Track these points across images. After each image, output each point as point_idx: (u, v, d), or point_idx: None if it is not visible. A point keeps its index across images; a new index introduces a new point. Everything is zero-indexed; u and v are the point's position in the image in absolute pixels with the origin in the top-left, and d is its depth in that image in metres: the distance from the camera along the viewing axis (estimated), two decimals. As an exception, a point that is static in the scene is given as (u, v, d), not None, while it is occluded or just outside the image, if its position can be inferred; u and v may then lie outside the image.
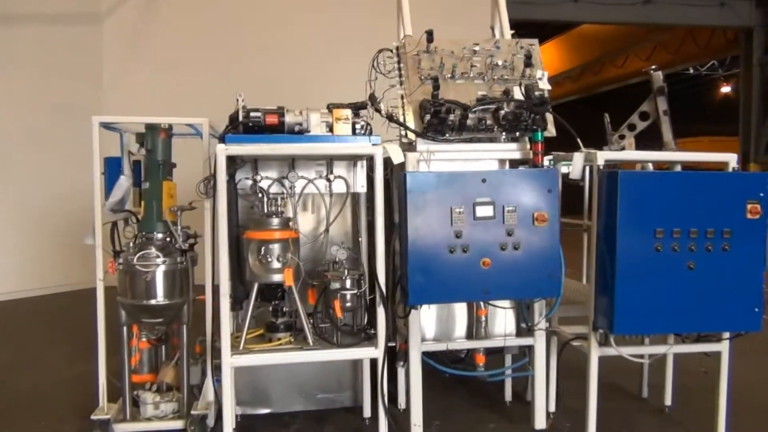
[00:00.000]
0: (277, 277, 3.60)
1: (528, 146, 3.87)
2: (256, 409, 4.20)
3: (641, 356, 4.19)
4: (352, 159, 3.94)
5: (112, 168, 4.54)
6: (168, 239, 4.05)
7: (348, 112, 3.60)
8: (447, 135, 3.78)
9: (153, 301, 3.90)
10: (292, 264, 3.61)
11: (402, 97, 3.91)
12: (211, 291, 4.02)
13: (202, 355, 4.16)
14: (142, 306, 3.92)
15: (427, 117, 3.72)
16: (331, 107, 3.64)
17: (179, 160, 4.19)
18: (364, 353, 3.61)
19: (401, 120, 3.82)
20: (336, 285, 3.62)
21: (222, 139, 3.52)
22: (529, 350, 4.00)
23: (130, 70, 9.59)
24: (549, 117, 3.87)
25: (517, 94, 3.89)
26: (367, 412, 4.18)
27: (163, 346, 4.33)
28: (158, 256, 3.88)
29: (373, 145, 3.55)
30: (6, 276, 8.76)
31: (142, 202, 4.11)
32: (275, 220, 3.65)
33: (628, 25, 13.34)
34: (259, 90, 9.25)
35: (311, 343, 3.58)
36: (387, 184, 3.78)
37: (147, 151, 4.11)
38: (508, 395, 4.49)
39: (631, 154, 3.80)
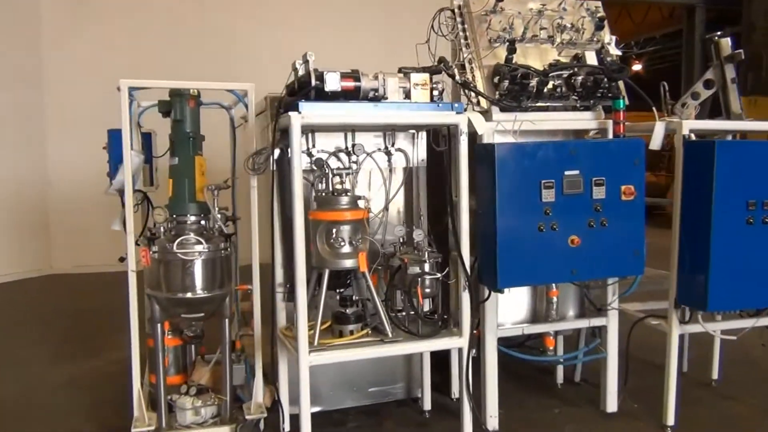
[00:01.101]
0: (349, 262, 3.19)
1: (602, 115, 3.63)
2: (304, 407, 3.78)
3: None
4: (423, 128, 3.56)
5: (116, 142, 3.97)
6: (202, 222, 3.55)
7: (426, 77, 3.22)
8: (522, 103, 3.47)
9: (191, 294, 3.41)
10: (365, 247, 3.22)
11: (470, 62, 3.57)
12: (260, 280, 3.59)
13: (243, 352, 3.71)
14: (179, 300, 3.42)
15: (505, 83, 3.40)
16: (404, 71, 3.25)
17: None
18: (448, 343, 3.28)
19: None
20: (415, 269, 3.26)
21: (286, 107, 3.07)
22: (599, 331, 3.81)
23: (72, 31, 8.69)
24: (620, 85, 3.64)
25: (590, 59, 3.64)
26: (426, 405, 3.87)
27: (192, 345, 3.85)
28: (199, 243, 3.38)
29: (457, 113, 3.20)
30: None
31: (171, 181, 3.58)
32: (344, 199, 3.23)
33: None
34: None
35: (390, 335, 3.21)
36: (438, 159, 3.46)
37: (174, 121, 3.57)
38: (560, 378, 4.30)
39: (722, 124, 3.64)
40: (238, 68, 8.52)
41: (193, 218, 3.52)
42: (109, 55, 8.55)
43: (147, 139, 4.10)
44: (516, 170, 3.23)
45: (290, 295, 3.43)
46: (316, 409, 3.84)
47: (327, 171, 3.29)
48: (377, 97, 3.14)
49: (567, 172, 3.30)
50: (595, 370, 4.26)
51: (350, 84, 3.08)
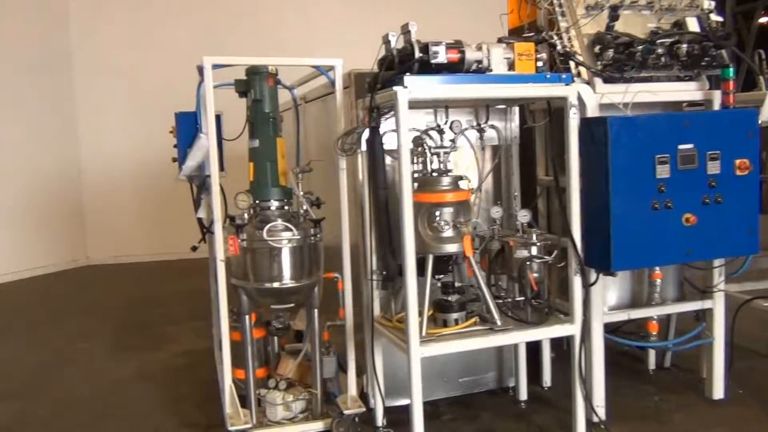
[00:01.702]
0: (453, 247, 3.00)
1: (706, 85, 3.42)
2: (394, 399, 3.61)
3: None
4: (530, 102, 3.36)
5: (185, 125, 3.79)
6: (286, 208, 3.37)
7: (531, 47, 3.01)
8: (626, 74, 3.25)
9: (280, 284, 3.24)
10: (469, 230, 3.02)
11: (566, 31, 3.35)
12: (350, 267, 3.41)
13: (331, 344, 3.53)
14: (269, 290, 3.25)
15: (609, 53, 3.19)
16: (506, 41, 3.03)
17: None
18: (560, 331, 3.09)
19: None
20: (524, 252, 3.07)
21: (384, 83, 2.87)
22: (704, 314, 3.61)
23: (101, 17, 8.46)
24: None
25: (691, 25, 3.42)
26: (522, 395, 3.70)
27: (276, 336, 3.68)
28: (288, 230, 3.20)
29: (566, 85, 2.99)
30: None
31: (251, 165, 3.39)
32: (446, 179, 3.04)
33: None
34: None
35: (498, 323, 3.03)
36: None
37: (254, 101, 3.38)
38: (652, 364, 4.11)
39: None
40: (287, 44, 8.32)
41: (276, 203, 3.35)
42: (138, 41, 8.35)
43: (217, 122, 3.90)
44: (629, 145, 3.02)
45: (385, 283, 3.25)
46: (406, 401, 3.67)
47: (426, 150, 3.10)
48: (481, 69, 2.93)
49: (681, 146, 3.09)
50: (684, 355, 4.09)
51: (455, 56, 2.87)
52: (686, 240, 3.14)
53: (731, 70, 3.29)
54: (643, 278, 3.56)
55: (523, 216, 3.16)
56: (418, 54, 2.81)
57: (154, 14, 8.48)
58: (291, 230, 3.20)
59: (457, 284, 3.17)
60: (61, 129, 8.42)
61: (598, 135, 3.03)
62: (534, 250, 3.08)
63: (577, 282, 3.08)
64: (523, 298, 3.14)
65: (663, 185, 3.07)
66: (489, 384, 3.83)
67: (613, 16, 3.23)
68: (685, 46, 3.27)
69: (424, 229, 3.02)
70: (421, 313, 2.93)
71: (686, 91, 3.39)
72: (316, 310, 3.38)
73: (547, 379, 3.88)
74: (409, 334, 2.82)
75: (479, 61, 2.92)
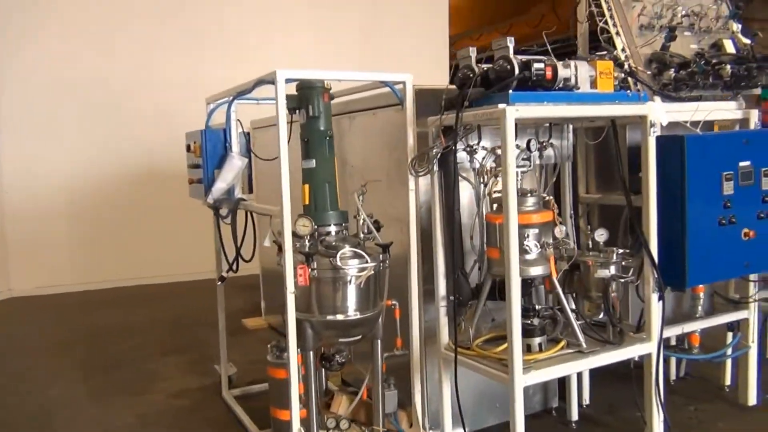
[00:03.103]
0: (539, 269, 2.91)
1: (743, 105, 3.56)
2: (453, 429, 3.44)
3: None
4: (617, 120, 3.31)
5: (213, 144, 3.48)
6: (345, 232, 3.14)
7: (611, 65, 2.99)
8: (683, 93, 3.33)
9: (344, 316, 3.01)
10: (552, 252, 2.94)
11: (623, 49, 3.38)
12: (417, 293, 3.22)
13: (390, 376, 3.31)
14: (336, 322, 3.01)
15: (670, 72, 3.24)
16: (588, 58, 3.00)
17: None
18: (640, 350, 3.07)
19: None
20: (605, 272, 3.03)
21: (472, 101, 2.75)
22: (738, 325, 3.74)
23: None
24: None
25: (729, 47, 3.57)
26: (574, 415, 3.65)
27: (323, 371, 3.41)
28: (361, 256, 2.97)
29: (644, 103, 2.99)
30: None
31: (306, 187, 3.12)
32: (531, 199, 2.95)
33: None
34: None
35: (584, 345, 2.96)
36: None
37: (308, 118, 3.13)
38: (673, 374, 4.21)
39: None
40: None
41: (334, 229, 3.11)
42: (65, 58, 7.61)
43: (245, 142, 3.59)
44: (702, 163, 3.08)
45: (458, 309, 3.10)
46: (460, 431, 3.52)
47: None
48: (568, 87, 2.88)
49: (741, 163, 3.20)
50: (695, 365, 4.23)
51: (550, 73, 2.79)
52: (745, 254, 3.25)
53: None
54: (685, 292, 3.63)
55: (600, 235, 3.13)
56: (518, 71, 2.71)
57: (87, 30, 7.76)
58: (363, 257, 2.97)
59: (537, 307, 3.08)
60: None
61: (674, 153, 3.06)
62: (613, 269, 3.05)
63: (654, 299, 3.08)
64: (595, 318, 3.12)
65: (728, 201, 3.16)
66: (536, 407, 3.76)
67: (671, 36, 3.29)
68: (728, 66, 3.40)
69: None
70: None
71: (731, 110, 3.51)
72: (379, 341, 3.16)
73: (586, 396, 3.86)
74: (513, 363, 2.69)
75: (567, 79, 2.87)
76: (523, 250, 2.88)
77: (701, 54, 3.43)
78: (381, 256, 3.05)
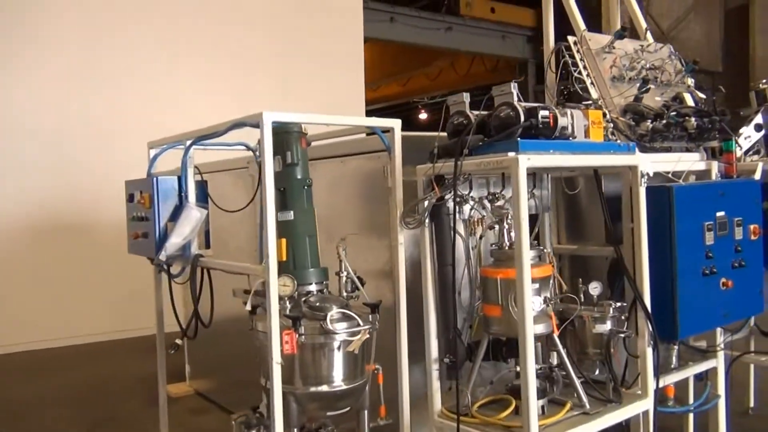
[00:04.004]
0: (541, 327, 2.74)
1: (705, 155, 3.64)
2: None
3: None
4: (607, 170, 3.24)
5: (165, 193, 3.12)
6: (326, 291, 2.85)
7: (600, 114, 2.94)
8: (657, 143, 3.35)
9: (329, 386, 2.69)
10: (552, 307, 2.79)
11: (593, 101, 3.36)
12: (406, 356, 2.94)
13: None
14: (324, 394, 2.68)
15: (647, 123, 3.25)
16: (581, 107, 2.94)
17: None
18: (637, 407, 2.95)
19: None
20: (604, 327, 2.91)
21: (471, 149, 2.59)
22: (706, 375, 3.74)
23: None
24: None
25: (689, 100, 3.67)
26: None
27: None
28: (351, 318, 2.68)
29: (633, 154, 2.96)
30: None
31: (283, 242, 2.80)
32: (531, 252, 2.78)
33: (435, 48, 13.96)
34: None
35: (587, 406, 2.80)
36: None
37: (285, 165, 2.85)
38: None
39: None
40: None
41: (314, 287, 2.81)
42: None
43: (202, 191, 3.22)
44: (688, 213, 3.08)
45: (451, 371, 2.87)
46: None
47: (503, 219, 2.83)
48: (565, 135, 2.79)
49: (718, 213, 3.23)
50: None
51: (551, 121, 2.69)
52: (724, 303, 3.26)
53: (733, 142, 3.56)
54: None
55: (594, 288, 3.02)
56: (523, 119, 2.58)
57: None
58: (354, 319, 2.68)
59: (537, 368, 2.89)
60: None
61: (662, 203, 3.03)
62: (609, 324, 2.95)
63: (649, 354, 2.99)
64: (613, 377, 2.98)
65: (709, 251, 3.16)
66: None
67: (645, 89, 3.32)
68: (693, 119, 3.47)
69: (510, 309, 2.73)
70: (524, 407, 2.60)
71: (696, 161, 3.57)
72: (366, 412, 2.85)
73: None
74: (530, 428, 2.48)
75: (564, 127, 2.78)
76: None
77: (668, 106, 3.48)
78: (370, 317, 2.77)
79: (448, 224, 2.83)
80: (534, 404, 2.50)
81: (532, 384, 2.49)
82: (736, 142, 3.57)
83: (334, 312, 2.66)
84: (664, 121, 3.28)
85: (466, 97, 2.82)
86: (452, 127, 2.79)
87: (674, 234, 3.01)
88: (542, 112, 2.60)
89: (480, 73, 17.76)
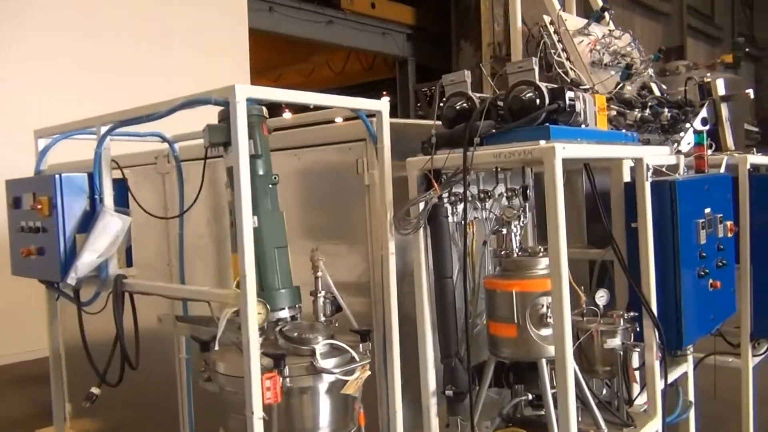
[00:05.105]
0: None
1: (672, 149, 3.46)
2: None
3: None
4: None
5: (72, 196, 2.41)
6: (298, 317, 2.26)
7: (604, 101, 2.60)
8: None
9: (318, 434, 2.12)
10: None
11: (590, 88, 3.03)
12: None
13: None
14: (311, 448, 2.09)
15: (635, 113, 2.98)
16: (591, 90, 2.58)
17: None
18: (651, 428, 2.64)
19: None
20: (615, 341, 2.56)
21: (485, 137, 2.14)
22: (677, 380, 3.55)
23: None
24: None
25: (656, 91, 3.46)
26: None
27: None
28: (344, 352, 2.12)
29: (638, 144, 2.65)
30: None
31: (234, 257, 2.17)
32: (543, 260, 2.38)
33: (314, 41, 13.33)
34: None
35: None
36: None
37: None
38: None
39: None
40: None
41: (288, 313, 2.21)
42: None
43: (122, 192, 2.48)
44: (688, 210, 2.82)
45: (453, 404, 2.39)
46: None
47: (511, 223, 2.39)
48: (578, 122, 2.40)
49: (707, 210, 3.02)
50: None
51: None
52: (712, 305, 3.05)
53: (704, 135, 3.38)
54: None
55: (601, 297, 2.65)
56: (548, 101, 2.15)
57: None
58: (347, 353, 2.11)
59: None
60: None
61: (661, 198, 2.74)
62: (619, 337, 2.61)
63: (657, 367, 2.70)
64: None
65: (703, 251, 2.94)
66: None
67: (627, 75, 3.04)
68: (666, 110, 3.26)
69: (529, 328, 2.30)
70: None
71: (667, 155, 3.36)
72: (353, 463, 2.29)
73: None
74: (571, 473, 2.06)
75: (578, 113, 2.39)
76: (542, 324, 2.30)
77: (643, 96, 3.24)
78: (362, 347, 2.21)
79: (446, 228, 2.33)
80: (574, 442, 2.08)
81: (573, 418, 2.07)
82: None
83: (321, 344, 2.08)
84: (648, 112, 3.02)
85: (467, 75, 2.35)
86: (453, 111, 2.31)
87: (677, 233, 2.73)
88: (569, 93, 2.19)
89: (356, 71, 17.42)
